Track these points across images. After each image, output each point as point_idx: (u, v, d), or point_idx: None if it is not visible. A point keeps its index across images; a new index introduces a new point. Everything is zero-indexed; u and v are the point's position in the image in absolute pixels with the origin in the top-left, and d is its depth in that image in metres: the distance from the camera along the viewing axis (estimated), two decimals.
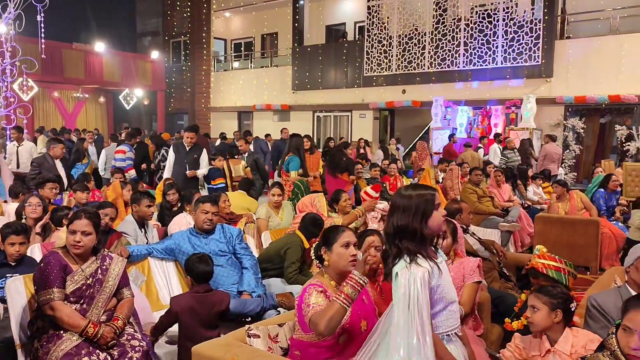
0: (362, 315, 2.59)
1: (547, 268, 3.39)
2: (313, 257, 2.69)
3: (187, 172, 7.57)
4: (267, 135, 15.32)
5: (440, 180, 9.42)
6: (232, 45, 23.56)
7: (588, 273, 6.90)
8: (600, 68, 13.38)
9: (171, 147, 8.01)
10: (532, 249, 7.39)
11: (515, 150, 11.71)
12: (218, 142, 15.50)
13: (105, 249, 3.38)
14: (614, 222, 7.68)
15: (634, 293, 2.87)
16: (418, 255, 2.18)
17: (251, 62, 22.10)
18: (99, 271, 3.15)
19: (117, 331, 3.01)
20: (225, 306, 3.43)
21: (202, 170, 7.87)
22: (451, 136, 14.14)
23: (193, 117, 22.59)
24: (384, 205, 5.14)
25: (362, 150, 13.57)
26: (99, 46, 19.84)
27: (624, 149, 13.21)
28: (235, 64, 23.06)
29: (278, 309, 3.91)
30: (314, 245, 2.72)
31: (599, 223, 7.16)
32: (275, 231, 5.41)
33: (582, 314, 3.12)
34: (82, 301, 3.06)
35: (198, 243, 4.17)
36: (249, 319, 3.72)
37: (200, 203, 4.32)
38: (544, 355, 2.67)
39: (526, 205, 8.51)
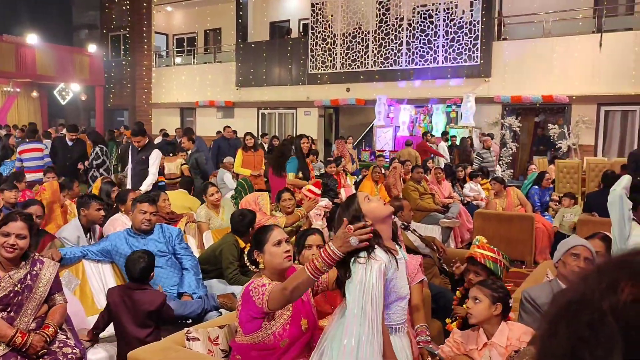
0: (302, 314, 2.57)
1: (485, 258, 3.50)
2: (248, 264, 2.66)
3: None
4: (219, 132, 15.02)
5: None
6: (175, 41, 23.03)
7: (523, 267, 7.18)
8: (535, 69, 13.92)
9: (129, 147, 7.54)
10: (471, 244, 7.65)
11: (490, 149, 11.77)
12: (159, 139, 15.12)
13: (36, 253, 3.22)
14: (547, 217, 8.03)
15: (564, 287, 2.99)
16: (375, 247, 2.21)
17: (194, 58, 21.69)
18: (29, 277, 3.00)
19: (48, 339, 2.88)
20: (155, 307, 3.33)
21: (146, 182, 6.69)
22: (425, 134, 14.34)
23: (133, 113, 21.95)
24: (325, 202, 5.14)
25: (313, 147, 13.55)
26: (32, 38, 18.93)
27: (557, 147, 13.80)
28: (178, 60, 22.56)
29: (220, 310, 3.84)
30: (246, 252, 2.69)
31: (533, 218, 7.47)
32: (218, 231, 5.33)
33: (517, 307, 3.23)
34: (9, 309, 2.90)
35: (136, 244, 4.04)
36: (190, 321, 3.65)
37: (137, 202, 4.19)
38: (481, 349, 2.74)
39: (466, 201, 8.75)
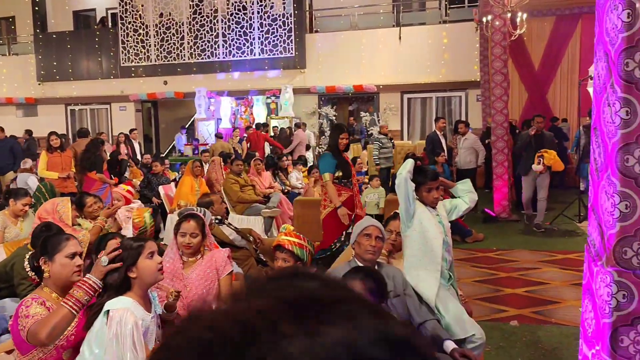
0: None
1: (291, 244, 3.60)
2: (28, 269, 2.41)
3: None
4: (28, 132, 13.43)
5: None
6: None
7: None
8: (345, 60, 14.76)
9: None
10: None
11: (387, 135, 11.72)
12: None
13: None
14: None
15: (360, 264, 3.21)
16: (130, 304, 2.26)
17: None
18: None
19: None
20: None
21: None
22: (260, 125, 14.20)
23: None
24: (137, 204, 4.90)
25: (122, 145, 12.78)
26: None
27: (369, 133, 14.85)
28: None
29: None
30: (27, 256, 2.44)
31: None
32: (12, 243, 4.76)
33: None
34: None
35: None
36: None
37: None
38: None
39: (286, 190, 9.00)
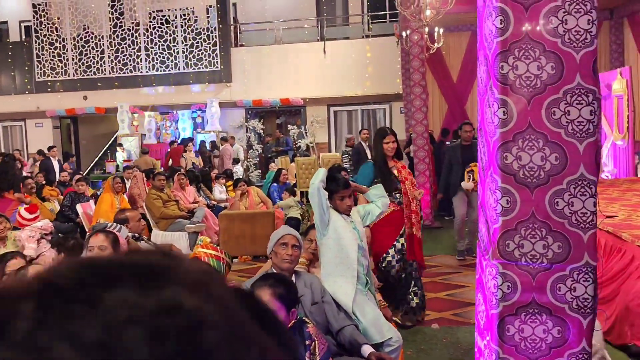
0: None
1: (208, 257, 3.55)
2: None
3: None
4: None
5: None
6: None
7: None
8: (271, 74, 14.80)
9: None
10: (219, 246, 7.80)
11: (353, 147, 11.14)
12: None
13: None
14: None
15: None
16: None
17: None
18: None
19: None
20: None
21: None
22: (172, 142, 13.84)
23: None
24: (42, 223, 4.67)
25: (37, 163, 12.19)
26: None
27: (297, 146, 14.93)
28: None
29: None
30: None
31: (273, 214, 7.91)
32: None
33: None
34: None
35: None
36: None
37: None
38: None
39: (211, 204, 8.87)
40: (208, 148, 13.30)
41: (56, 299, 0.33)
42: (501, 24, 1.56)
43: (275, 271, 3.26)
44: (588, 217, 1.58)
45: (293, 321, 2.46)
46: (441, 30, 9.74)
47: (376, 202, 3.58)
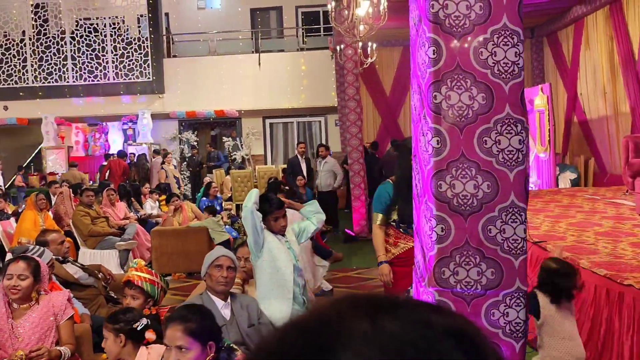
0: None
1: (142, 280, 3.41)
2: None
3: None
4: None
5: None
6: None
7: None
8: (206, 85, 14.57)
9: None
10: (152, 263, 7.54)
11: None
12: None
13: None
14: (226, 227, 8.44)
15: (214, 298, 3.11)
16: None
17: None
18: None
19: None
20: None
21: None
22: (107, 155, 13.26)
23: None
24: None
25: None
26: None
27: (232, 158, 14.75)
28: None
29: None
30: None
31: (207, 229, 7.76)
32: None
33: None
34: None
35: None
36: None
37: None
38: None
39: (142, 217, 8.60)
40: (146, 161, 12.90)
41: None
42: (434, 54, 1.59)
43: (210, 294, 3.17)
44: (519, 244, 1.62)
45: (211, 355, 2.28)
46: (374, 45, 9.92)
47: (311, 218, 3.56)
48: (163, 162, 12.32)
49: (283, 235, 3.40)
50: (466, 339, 0.41)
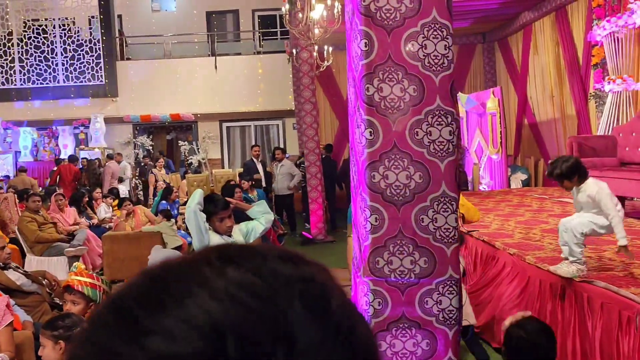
0: None
1: (82, 285, 3.31)
2: None
3: None
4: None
5: None
6: None
7: None
8: (161, 89, 14.35)
9: None
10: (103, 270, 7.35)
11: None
12: None
13: None
14: (180, 231, 8.31)
15: None
16: None
17: None
18: None
19: None
20: None
21: None
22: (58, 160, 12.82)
23: None
24: None
25: None
26: None
27: (188, 162, 14.55)
28: None
29: None
30: None
31: (161, 234, 7.62)
32: None
33: None
34: None
35: None
36: None
37: None
38: None
39: (94, 224, 8.39)
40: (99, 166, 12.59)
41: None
42: (365, 46, 1.61)
43: None
44: (451, 232, 1.65)
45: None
46: (330, 49, 9.97)
47: (259, 219, 3.54)
48: (154, 167, 12.05)
49: (229, 236, 3.36)
50: (312, 290, 0.41)
